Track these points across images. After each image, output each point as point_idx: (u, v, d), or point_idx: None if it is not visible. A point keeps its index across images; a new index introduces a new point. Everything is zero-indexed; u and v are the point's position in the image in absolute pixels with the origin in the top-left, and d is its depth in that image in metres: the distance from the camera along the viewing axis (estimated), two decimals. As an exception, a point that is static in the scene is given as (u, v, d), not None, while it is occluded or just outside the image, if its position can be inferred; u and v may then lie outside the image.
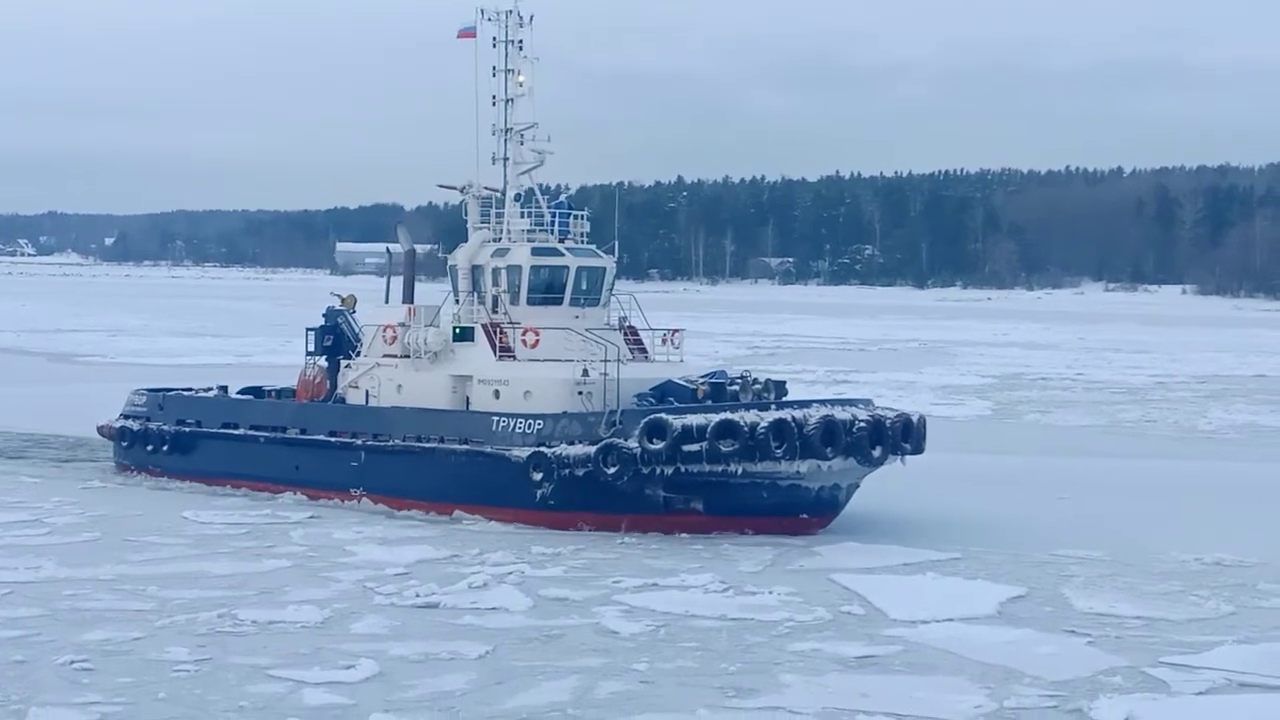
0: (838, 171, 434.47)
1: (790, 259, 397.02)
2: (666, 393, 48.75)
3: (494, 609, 36.14)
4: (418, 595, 37.21)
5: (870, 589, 38.72)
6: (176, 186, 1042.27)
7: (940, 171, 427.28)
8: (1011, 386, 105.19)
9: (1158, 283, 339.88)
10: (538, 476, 46.84)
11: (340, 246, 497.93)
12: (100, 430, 61.98)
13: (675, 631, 34.28)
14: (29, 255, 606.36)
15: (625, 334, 52.21)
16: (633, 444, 45.28)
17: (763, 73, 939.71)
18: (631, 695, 29.04)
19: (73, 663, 30.54)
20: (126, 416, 60.77)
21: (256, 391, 60.83)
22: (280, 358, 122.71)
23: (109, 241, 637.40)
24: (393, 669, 30.58)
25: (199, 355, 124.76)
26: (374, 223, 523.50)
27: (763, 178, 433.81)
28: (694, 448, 44.81)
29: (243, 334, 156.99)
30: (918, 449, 47.65)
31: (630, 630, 34.20)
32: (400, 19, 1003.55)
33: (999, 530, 47.32)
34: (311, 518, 49.67)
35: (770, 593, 38.15)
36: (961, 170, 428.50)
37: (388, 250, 59.55)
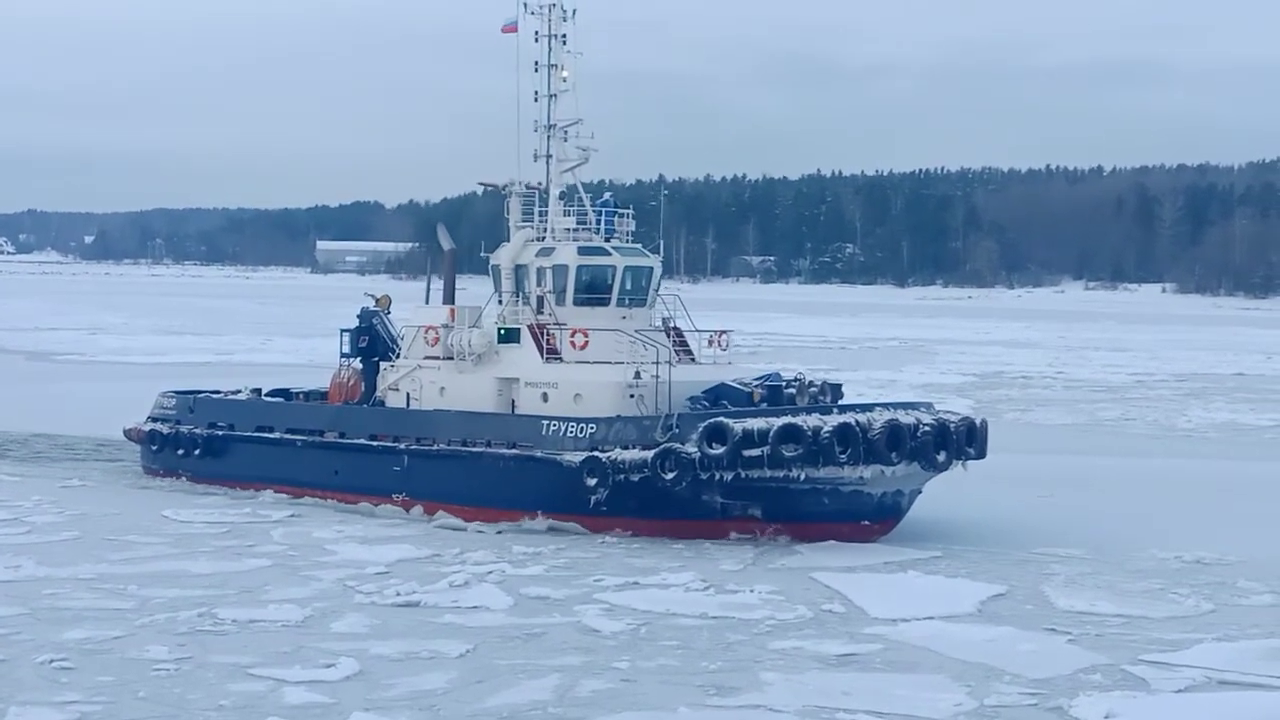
0: (819, 170, 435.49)
1: (771, 257, 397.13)
2: (720, 396, 47.63)
3: (475, 608, 36.11)
4: (398, 594, 37.16)
5: (851, 587, 38.78)
6: (156, 184, 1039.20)
7: (921, 170, 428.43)
8: (992, 385, 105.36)
9: (1138, 281, 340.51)
10: (592, 482, 45.44)
11: (321, 245, 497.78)
12: (128, 434, 60.39)
13: (656, 630, 34.28)
14: (8, 254, 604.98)
15: (670, 335, 50.97)
16: (691, 449, 44.00)
17: (744, 71, 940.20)
18: (613, 693, 29.04)
19: (52, 661, 30.46)
20: (154, 419, 59.07)
21: (284, 394, 59.55)
22: (262, 356, 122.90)
23: (88, 239, 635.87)
24: (373, 668, 30.54)
25: (180, 354, 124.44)
26: (355, 221, 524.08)
27: (744, 176, 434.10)
28: (755, 453, 43.57)
29: (223, 332, 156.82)
30: (981, 453, 46.68)
31: (611, 629, 34.20)
32: (380, 18, 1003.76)
33: (980, 528, 47.38)
34: (292, 516, 49.58)
35: (751, 591, 38.16)
36: (942, 169, 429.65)
37: (436, 241, 57.19)
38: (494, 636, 33.41)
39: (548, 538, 45.66)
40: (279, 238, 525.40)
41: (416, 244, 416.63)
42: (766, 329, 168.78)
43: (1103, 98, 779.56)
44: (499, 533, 46.56)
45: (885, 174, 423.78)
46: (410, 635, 33.32)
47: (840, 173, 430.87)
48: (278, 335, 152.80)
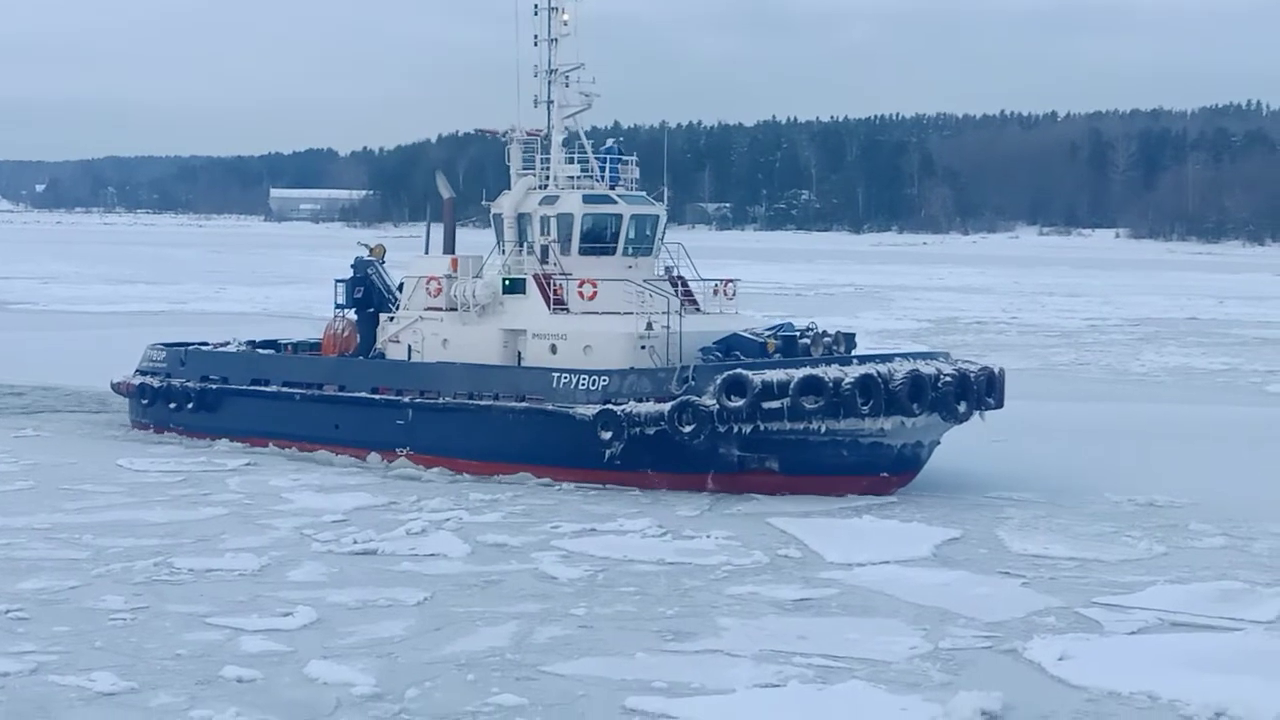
0: (774, 116, 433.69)
1: (727, 204, 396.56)
2: (732, 346, 46.90)
3: (432, 555, 36.15)
4: (355, 542, 37.15)
5: (807, 532, 38.95)
6: (108, 132, 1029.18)
7: (876, 116, 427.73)
8: (946, 330, 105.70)
9: (1091, 227, 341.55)
10: (606, 435, 44.53)
11: (275, 193, 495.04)
12: (115, 387, 58.97)
13: (613, 576, 34.38)
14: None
15: (674, 285, 49.94)
16: (709, 401, 43.23)
17: (700, 16, 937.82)
18: (570, 640, 29.14)
19: (8, 612, 30.36)
20: (143, 373, 57.58)
21: (273, 345, 58.29)
22: (216, 305, 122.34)
23: (40, 188, 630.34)
24: (331, 616, 30.55)
25: (133, 303, 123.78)
26: (308, 168, 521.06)
27: (699, 123, 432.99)
28: (775, 405, 42.89)
29: (177, 281, 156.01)
30: (999, 403, 46.39)
31: (569, 575, 34.28)
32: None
33: (934, 473, 47.51)
34: (248, 465, 49.45)
35: (708, 537, 38.31)
36: (897, 115, 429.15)
37: (438, 191, 55.75)
38: (451, 584, 33.46)
39: (505, 485, 45.66)
40: (232, 186, 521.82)
41: (371, 191, 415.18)
42: (722, 276, 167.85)
43: (1057, 43, 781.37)
44: (451, 483, 46.56)
45: (840, 120, 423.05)
46: (368, 583, 33.32)
47: (795, 119, 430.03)
48: (232, 284, 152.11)
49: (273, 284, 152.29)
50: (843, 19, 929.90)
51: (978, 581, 34.15)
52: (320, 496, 43.60)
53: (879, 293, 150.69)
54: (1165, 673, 26.96)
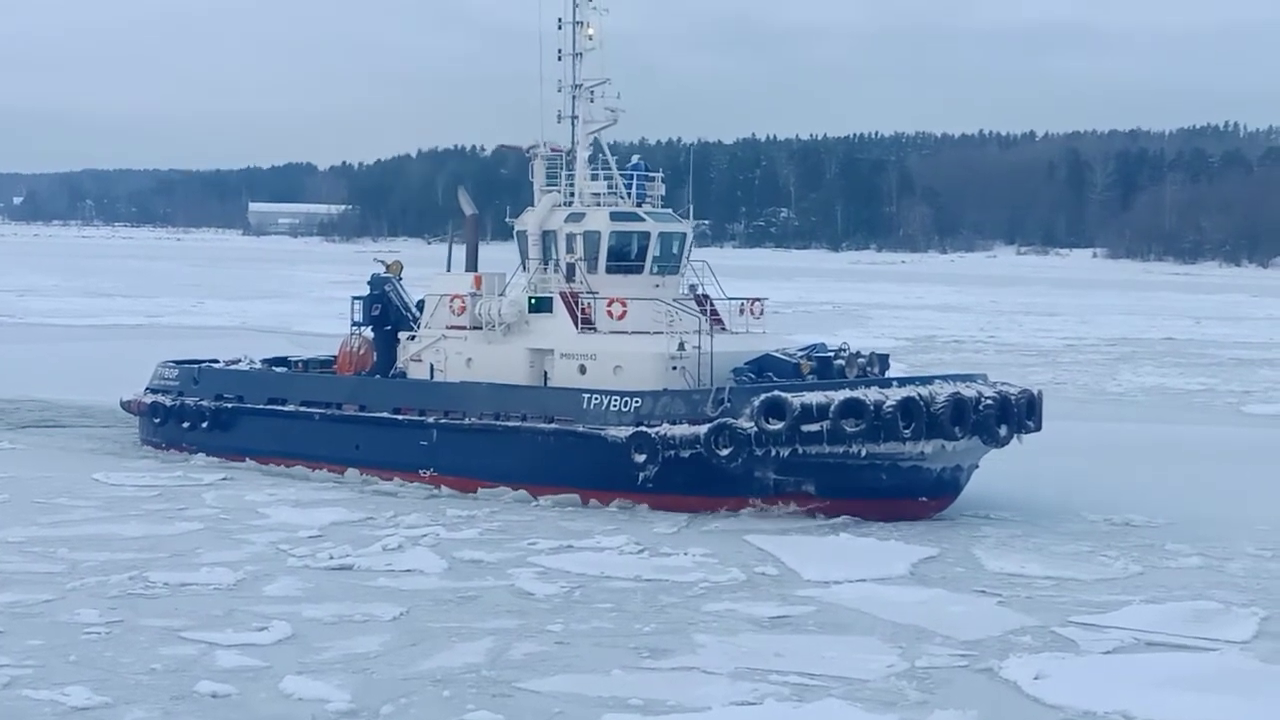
0: (754, 134, 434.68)
1: (706, 221, 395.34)
2: (764, 367, 46.27)
3: (408, 571, 36.10)
4: (331, 557, 37.09)
5: (784, 550, 38.96)
6: (86, 145, 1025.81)
7: (855, 134, 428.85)
8: (924, 349, 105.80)
9: (1069, 246, 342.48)
10: (640, 458, 43.83)
11: (253, 206, 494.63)
12: (125, 405, 58.15)
13: (590, 593, 34.36)
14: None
15: (699, 304, 49.32)
16: (746, 423, 42.51)
17: (680, 33, 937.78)
18: (546, 656, 29.10)
19: (-19, 626, 30.25)
20: (155, 391, 56.73)
21: (282, 362, 57.56)
22: (194, 319, 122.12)
23: (17, 201, 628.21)
24: (306, 631, 30.48)
25: (111, 316, 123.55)
26: (286, 182, 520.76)
27: (679, 140, 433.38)
28: (814, 428, 42.14)
29: (155, 294, 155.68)
30: (1038, 426, 45.91)
31: (545, 592, 34.25)
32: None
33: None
34: (224, 479, 49.34)
35: (685, 554, 38.30)
36: (876, 133, 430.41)
37: (458, 204, 54.64)
38: (427, 600, 33.40)
39: (482, 502, 45.62)
40: (210, 199, 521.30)
41: (350, 206, 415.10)
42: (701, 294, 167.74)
43: (1036, 63, 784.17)
44: (428, 497, 46.52)
45: (819, 138, 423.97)
46: (343, 598, 33.26)
47: (775, 137, 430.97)
48: (210, 298, 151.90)
49: (250, 298, 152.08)
50: (821, 36, 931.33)
51: (954, 600, 34.19)
52: (296, 511, 43.52)
53: (857, 310, 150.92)
54: (1140, 692, 27.01)
